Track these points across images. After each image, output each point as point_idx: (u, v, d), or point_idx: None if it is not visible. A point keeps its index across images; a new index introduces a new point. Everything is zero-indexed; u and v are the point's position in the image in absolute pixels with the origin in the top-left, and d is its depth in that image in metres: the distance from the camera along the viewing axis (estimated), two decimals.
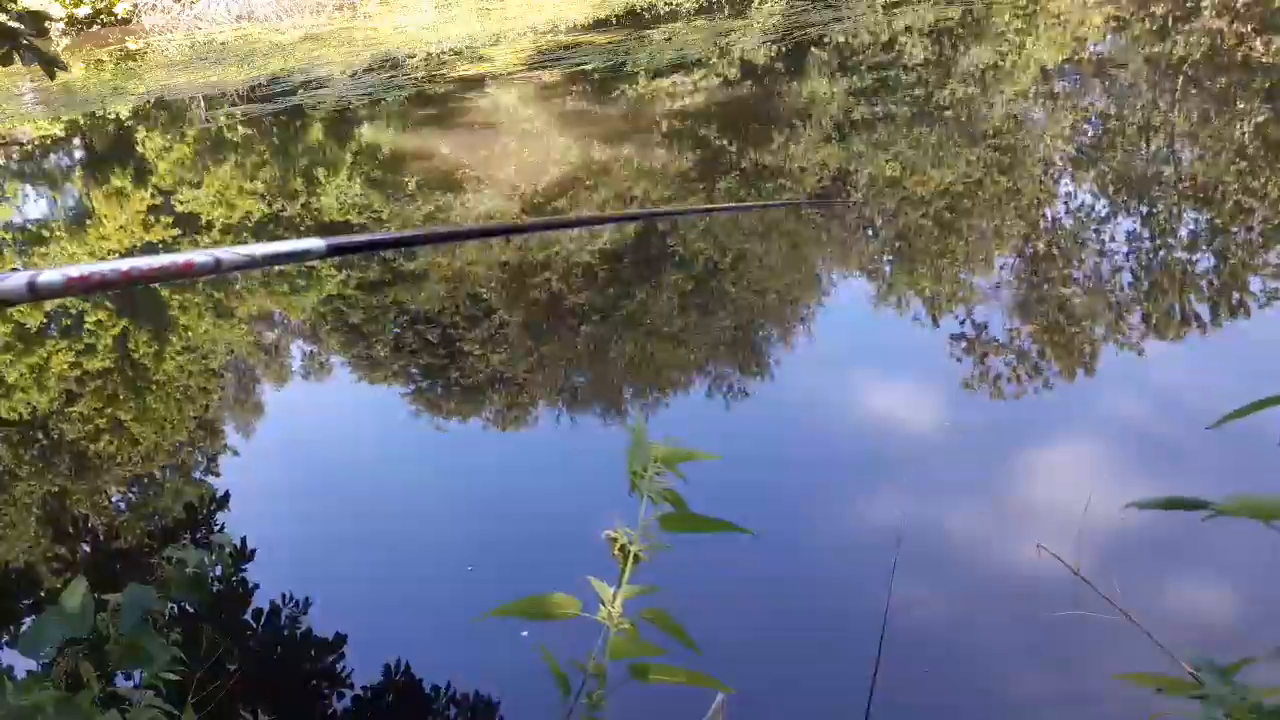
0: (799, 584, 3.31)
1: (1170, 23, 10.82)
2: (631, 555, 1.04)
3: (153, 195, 9.16)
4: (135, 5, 18.52)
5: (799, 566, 3.37)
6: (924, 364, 4.73)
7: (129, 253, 7.78)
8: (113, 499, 4.71)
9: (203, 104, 12.27)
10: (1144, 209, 6.25)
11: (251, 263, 0.80)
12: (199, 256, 0.77)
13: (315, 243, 0.81)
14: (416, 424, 4.92)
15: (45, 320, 6.74)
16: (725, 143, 8.32)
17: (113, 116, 12.29)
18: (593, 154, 8.41)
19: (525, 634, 3.13)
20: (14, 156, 11.42)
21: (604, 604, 1.05)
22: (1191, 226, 5.90)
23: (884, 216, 6.57)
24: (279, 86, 12.50)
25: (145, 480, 4.85)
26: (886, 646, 3.02)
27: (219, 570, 1.59)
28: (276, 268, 7.00)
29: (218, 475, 4.81)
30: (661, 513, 1.06)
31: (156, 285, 6.94)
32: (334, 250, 0.83)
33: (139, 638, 1.39)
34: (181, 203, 8.80)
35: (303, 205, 8.54)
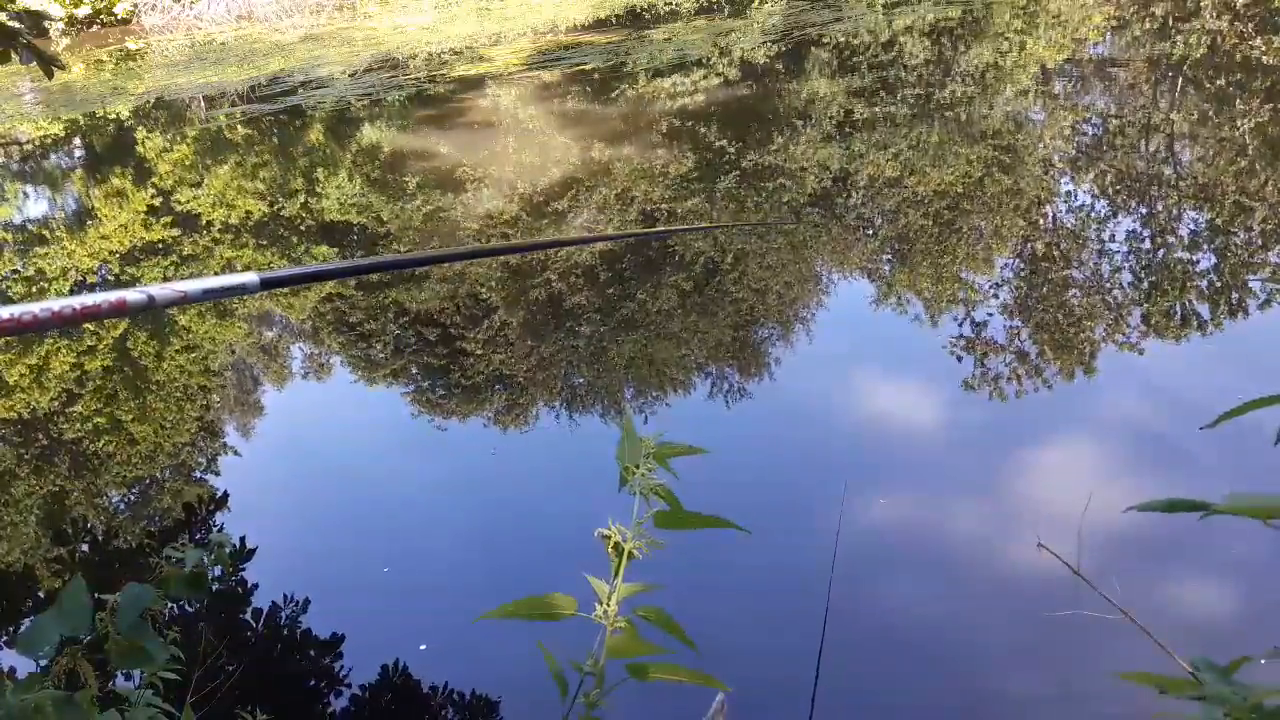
0: (795, 580, 3.31)
1: (1170, 23, 10.82)
2: (625, 553, 1.04)
3: (153, 195, 9.16)
4: (135, 5, 18.52)
5: (796, 564, 3.37)
6: (924, 363, 4.73)
7: (126, 255, 7.78)
8: (112, 499, 4.71)
9: (203, 104, 12.27)
10: (1144, 209, 6.25)
11: (185, 299, 0.81)
12: (132, 295, 0.77)
13: (249, 277, 0.83)
14: (415, 424, 4.92)
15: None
16: (725, 143, 8.32)
17: (113, 116, 12.29)
18: (593, 154, 8.41)
19: (423, 647, 3.16)
20: (14, 156, 11.42)
21: (600, 602, 1.04)
22: (1191, 226, 5.90)
23: (883, 216, 6.57)
24: (279, 86, 12.50)
25: (144, 480, 4.85)
26: (890, 647, 3.02)
27: (218, 570, 1.58)
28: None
29: (217, 475, 4.81)
30: (656, 510, 1.05)
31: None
32: (267, 284, 0.85)
33: (138, 637, 1.38)
34: (181, 202, 8.80)
35: (302, 205, 8.54)
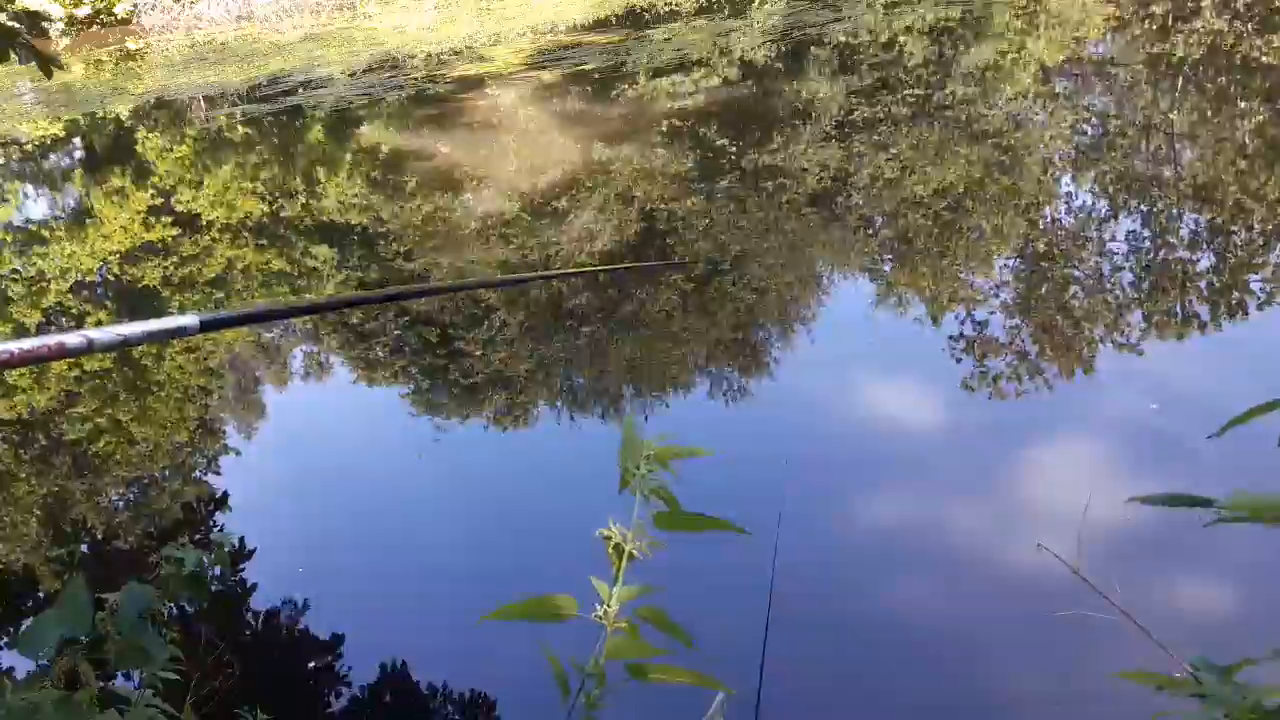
0: (797, 583, 3.31)
1: (1170, 23, 10.82)
2: (626, 554, 1.04)
3: (153, 195, 9.16)
4: (135, 5, 18.51)
5: (797, 566, 3.37)
6: (924, 364, 4.73)
7: (126, 255, 7.78)
8: (111, 499, 4.70)
9: (203, 104, 12.27)
10: (1144, 209, 6.25)
11: (125, 342, 0.81)
12: (71, 339, 0.77)
13: (189, 320, 0.83)
14: (415, 424, 4.92)
15: (44, 320, 6.74)
16: (725, 143, 8.32)
17: (112, 116, 12.29)
18: (593, 154, 8.41)
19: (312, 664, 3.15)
20: (14, 156, 11.42)
21: (602, 603, 1.04)
22: (1191, 226, 5.89)
23: (883, 216, 6.57)
24: (279, 86, 12.50)
25: (144, 480, 4.85)
26: (890, 647, 3.03)
27: (218, 570, 1.58)
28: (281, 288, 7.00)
29: (217, 475, 4.81)
30: (656, 510, 1.05)
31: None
32: (206, 326, 0.85)
33: (138, 637, 1.38)
34: (181, 203, 8.80)
35: (302, 205, 8.54)
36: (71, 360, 6.03)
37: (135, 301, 6.94)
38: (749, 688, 2.71)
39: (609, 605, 1.04)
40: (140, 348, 6.22)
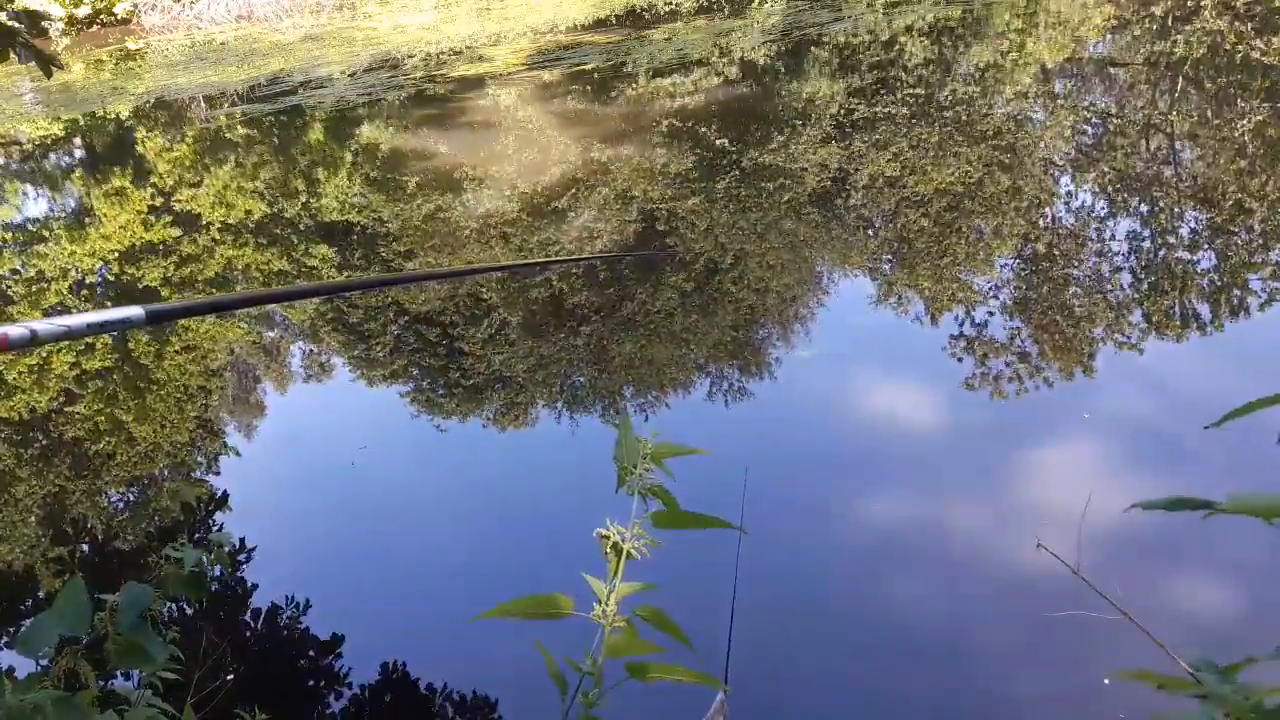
0: (796, 582, 3.31)
1: (1170, 23, 10.81)
2: (624, 553, 1.04)
3: (153, 195, 9.15)
4: (135, 5, 18.50)
5: (796, 565, 3.37)
6: (924, 364, 4.73)
7: (126, 254, 7.78)
8: (111, 499, 4.70)
9: (203, 104, 12.27)
10: (1143, 208, 6.25)
11: (69, 334, 0.80)
12: (14, 330, 0.77)
13: (135, 311, 0.82)
14: (415, 424, 4.92)
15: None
16: (725, 142, 8.31)
17: (113, 116, 12.29)
18: (593, 154, 8.41)
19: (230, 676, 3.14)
20: (14, 156, 11.42)
21: (599, 602, 1.04)
22: (1191, 226, 5.89)
23: (883, 216, 6.57)
24: (279, 86, 12.50)
25: (144, 480, 4.85)
26: (889, 647, 3.03)
27: (218, 570, 1.58)
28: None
29: (217, 475, 4.81)
30: (654, 510, 1.05)
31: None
32: (153, 318, 0.84)
33: (137, 637, 1.38)
34: (181, 202, 8.80)
35: (303, 205, 8.53)
36: (71, 359, 6.04)
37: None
38: (748, 688, 2.71)
39: (607, 604, 1.04)
40: (140, 347, 6.23)
